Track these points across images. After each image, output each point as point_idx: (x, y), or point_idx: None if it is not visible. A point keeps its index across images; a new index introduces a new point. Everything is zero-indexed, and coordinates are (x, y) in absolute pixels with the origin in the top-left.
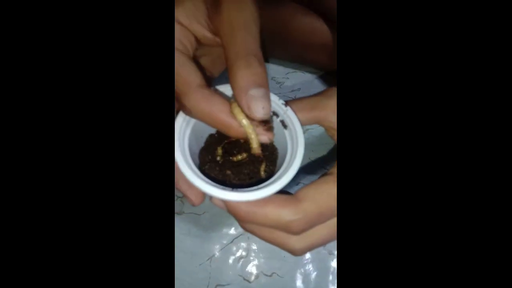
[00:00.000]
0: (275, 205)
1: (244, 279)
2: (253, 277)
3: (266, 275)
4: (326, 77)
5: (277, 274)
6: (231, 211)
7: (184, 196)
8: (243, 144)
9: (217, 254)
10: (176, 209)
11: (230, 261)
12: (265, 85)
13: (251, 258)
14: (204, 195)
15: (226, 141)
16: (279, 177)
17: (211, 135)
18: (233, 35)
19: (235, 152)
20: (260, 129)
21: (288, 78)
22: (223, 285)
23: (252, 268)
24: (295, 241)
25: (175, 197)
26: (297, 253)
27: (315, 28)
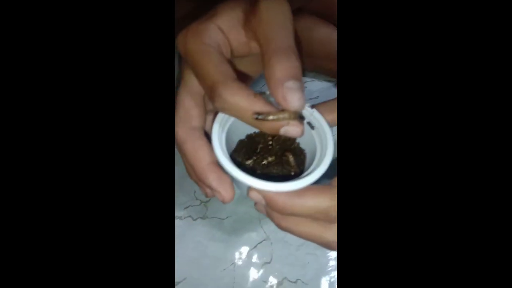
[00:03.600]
0: (312, 193)
1: (268, 285)
2: (276, 283)
3: (291, 282)
4: None
5: (302, 281)
6: (270, 202)
7: (215, 191)
8: (271, 148)
9: (240, 259)
10: (200, 213)
11: (254, 266)
12: (301, 79)
13: (275, 264)
14: (234, 191)
15: (260, 145)
16: (314, 170)
17: (241, 141)
18: (271, 32)
19: (266, 155)
20: (294, 122)
21: (306, 86)
22: None
23: (275, 274)
24: (333, 233)
25: (199, 202)
26: (335, 245)
27: (333, 39)
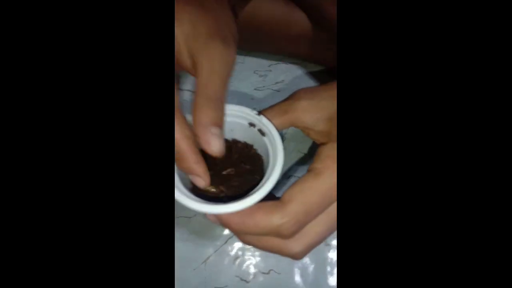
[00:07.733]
0: (262, 212)
1: (241, 279)
2: (250, 276)
3: (264, 273)
4: (308, 67)
5: (275, 271)
6: (224, 224)
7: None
8: (230, 158)
9: (211, 256)
10: None
11: (226, 262)
12: (223, 127)
13: (247, 257)
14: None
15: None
16: (263, 185)
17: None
18: (210, 79)
19: (224, 166)
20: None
21: (271, 70)
22: (221, 287)
23: (249, 267)
24: (293, 245)
25: None
26: (297, 256)
27: (291, 20)
